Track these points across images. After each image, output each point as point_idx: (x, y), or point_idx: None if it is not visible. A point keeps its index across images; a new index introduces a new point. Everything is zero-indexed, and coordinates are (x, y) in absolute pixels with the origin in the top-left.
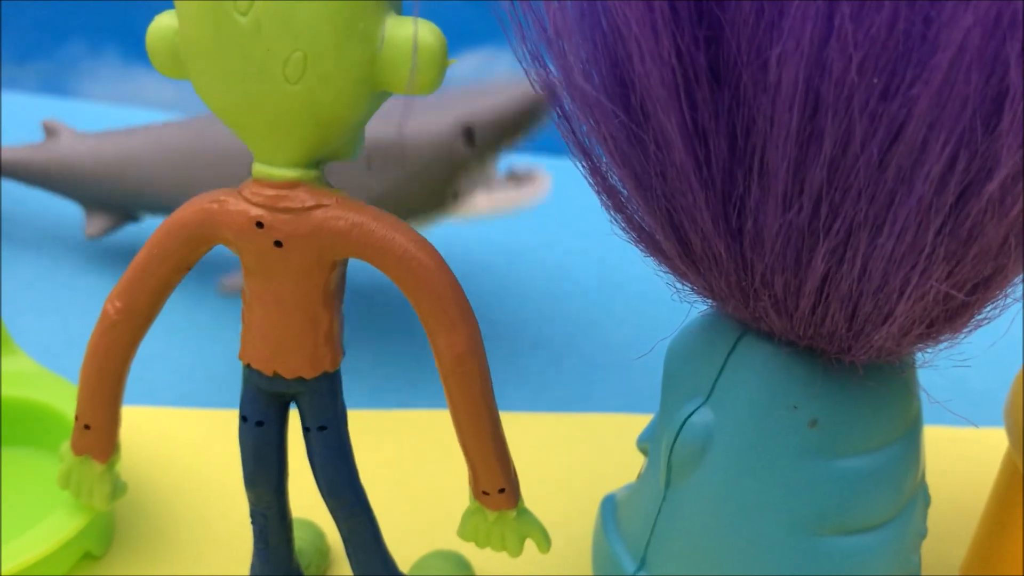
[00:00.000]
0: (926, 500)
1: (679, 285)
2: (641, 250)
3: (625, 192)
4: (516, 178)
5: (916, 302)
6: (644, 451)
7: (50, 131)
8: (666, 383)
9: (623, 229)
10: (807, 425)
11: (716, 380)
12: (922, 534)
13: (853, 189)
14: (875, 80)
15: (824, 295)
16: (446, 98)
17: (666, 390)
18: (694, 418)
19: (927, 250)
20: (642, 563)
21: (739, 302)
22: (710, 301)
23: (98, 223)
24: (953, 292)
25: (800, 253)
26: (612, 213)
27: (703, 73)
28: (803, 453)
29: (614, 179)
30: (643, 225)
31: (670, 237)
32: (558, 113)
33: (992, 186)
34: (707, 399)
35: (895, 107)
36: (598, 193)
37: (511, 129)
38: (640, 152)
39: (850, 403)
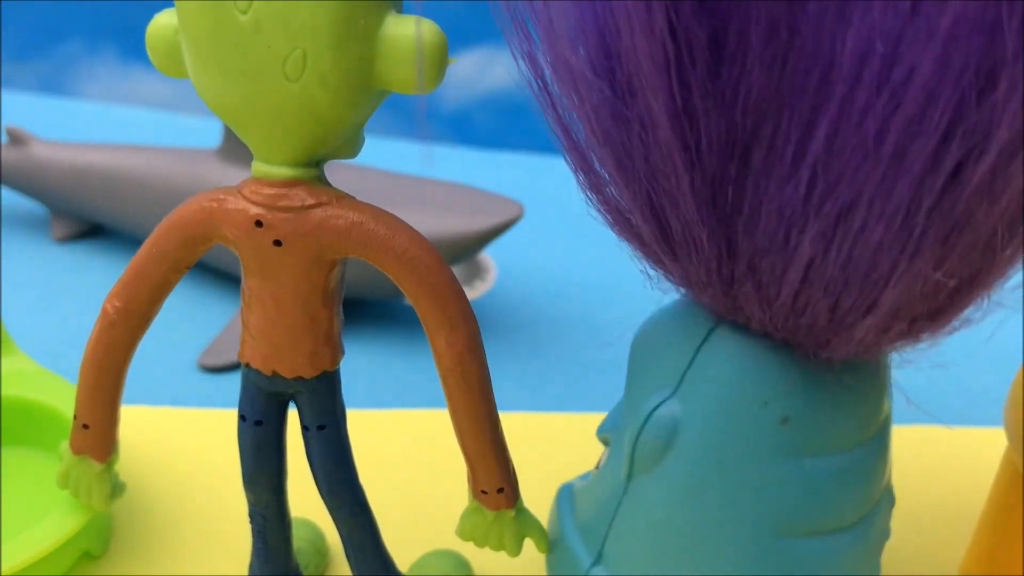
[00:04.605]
0: (891, 501)
1: (652, 271)
2: (615, 232)
3: (605, 173)
4: (470, 272)
5: (902, 291)
6: (605, 441)
7: (13, 137)
8: (632, 372)
9: (598, 210)
10: (778, 422)
11: (685, 372)
12: (886, 535)
13: (849, 166)
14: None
15: (808, 282)
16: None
17: (632, 379)
18: (660, 410)
19: (917, 232)
20: (599, 557)
21: (717, 291)
22: (683, 289)
23: (62, 228)
24: (942, 279)
25: (789, 235)
26: (587, 192)
27: (700, 49)
28: (772, 451)
29: (593, 157)
30: (620, 207)
31: (649, 221)
32: (538, 85)
33: (983, 167)
34: (675, 391)
35: (898, 75)
36: (575, 171)
37: (460, 253)
38: (624, 131)
39: (823, 401)
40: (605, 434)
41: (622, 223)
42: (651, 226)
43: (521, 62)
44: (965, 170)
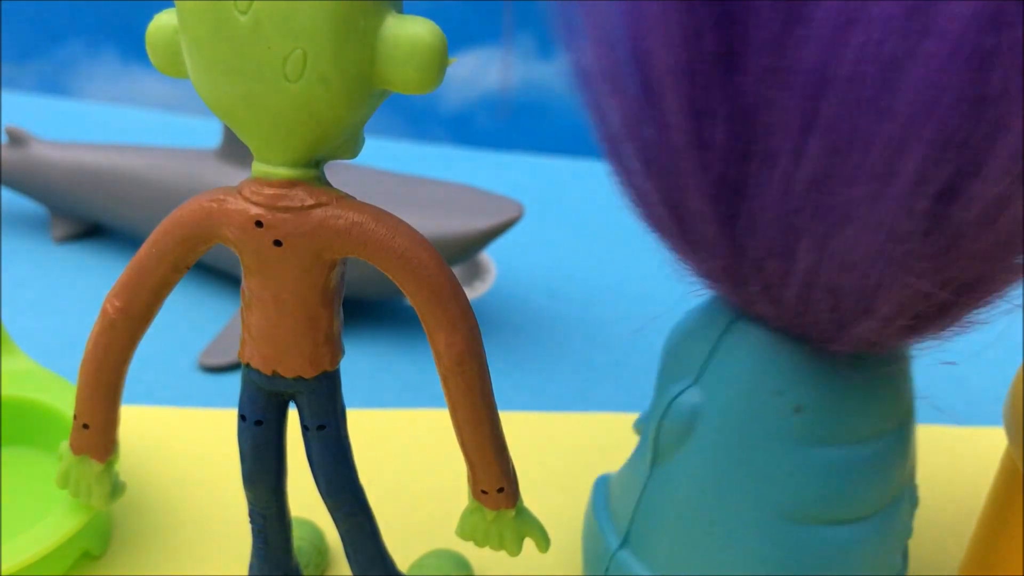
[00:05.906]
0: (913, 501)
1: (679, 265)
2: (646, 225)
3: (634, 165)
4: (470, 272)
5: (895, 298)
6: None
7: (13, 137)
8: (661, 364)
9: (629, 201)
10: (791, 411)
11: (706, 362)
12: (907, 534)
13: (840, 180)
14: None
15: (808, 285)
16: (417, 206)
17: (660, 371)
18: (681, 398)
19: (907, 245)
20: (625, 539)
21: (729, 287)
22: (707, 283)
23: (62, 228)
24: (935, 291)
25: (787, 241)
26: (620, 184)
27: (711, 56)
28: (786, 439)
29: (625, 148)
30: (648, 200)
31: (671, 215)
32: (580, 78)
33: (978, 187)
34: (696, 380)
35: (888, 94)
36: (608, 161)
37: (461, 253)
38: (648, 128)
39: (837, 392)
40: (639, 426)
41: (651, 215)
42: (671, 220)
43: (566, 55)
44: (960, 188)
